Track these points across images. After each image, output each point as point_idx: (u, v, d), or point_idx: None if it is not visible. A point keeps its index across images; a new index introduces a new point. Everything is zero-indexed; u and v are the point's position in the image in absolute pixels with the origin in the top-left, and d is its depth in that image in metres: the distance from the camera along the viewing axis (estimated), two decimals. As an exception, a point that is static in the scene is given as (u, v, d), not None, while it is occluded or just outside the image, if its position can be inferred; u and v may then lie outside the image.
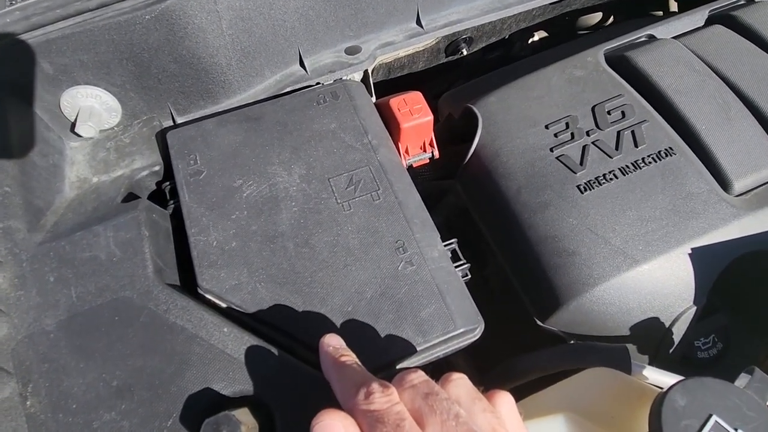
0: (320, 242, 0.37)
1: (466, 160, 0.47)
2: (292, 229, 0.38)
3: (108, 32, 0.40)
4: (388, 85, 0.67)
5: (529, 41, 0.80)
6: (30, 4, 0.38)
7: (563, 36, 0.82)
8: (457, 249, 0.40)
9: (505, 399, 0.26)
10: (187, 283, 0.36)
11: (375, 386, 0.24)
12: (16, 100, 0.41)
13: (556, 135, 0.44)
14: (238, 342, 0.30)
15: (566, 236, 0.40)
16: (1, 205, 0.34)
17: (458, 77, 0.81)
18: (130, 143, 0.46)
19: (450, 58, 0.67)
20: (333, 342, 0.29)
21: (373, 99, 0.60)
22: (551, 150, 0.44)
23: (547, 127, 0.45)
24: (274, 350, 0.31)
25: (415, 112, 0.46)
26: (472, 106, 0.49)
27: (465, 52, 0.64)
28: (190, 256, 0.36)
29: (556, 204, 0.41)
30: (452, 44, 0.63)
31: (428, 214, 0.40)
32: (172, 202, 0.41)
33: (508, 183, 0.44)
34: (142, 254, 0.32)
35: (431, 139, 0.49)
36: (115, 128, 0.47)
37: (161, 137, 0.47)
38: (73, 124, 0.45)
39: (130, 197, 0.40)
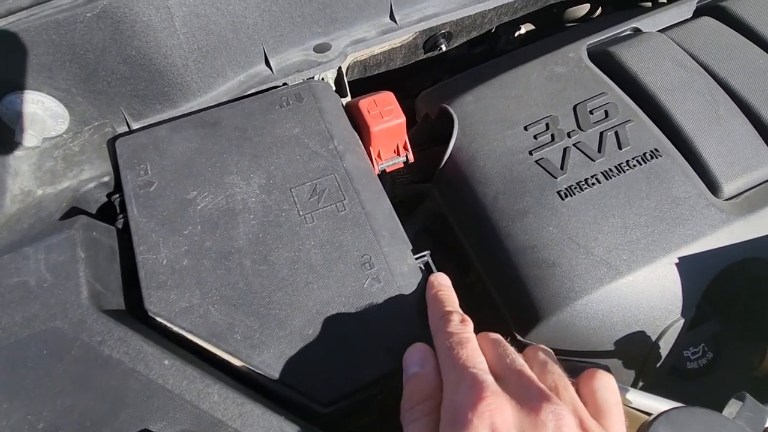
0: (280, 258, 0.34)
1: (443, 163, 0.45)
2: (250, 244, 0.35)
3: (46, 32, 0.37)
4: (365, 83, 0.64)
5: (516, 34, 0.77)
6: (-46, 2, 0.35)
7: (551, 29, 0.79)
8: (431, 262, 0.37)
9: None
10: (136, 306, 0.33)
11: (455, 316, 0.30)
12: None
13: (535, 137, 0.42)
14: (180, 376, 0.27)
15: (546, 246, 0.37)
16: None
17: (441, 74, 0.78)
18: (80, 152, 0.42)
19: (429, 54, 0.63)
20: (439, 278, 0.34)
21: (348, 99, 0.57)
22: (530, 153, 0.41)
23: (526, 128, 0.42)
24: (222, 384, 0.28)
25: (386, 114, 0.43)
26: (447, 106, 0.46)
27: (444, 48, 0.61)
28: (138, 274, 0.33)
29: (535, 211, 0.39)
30: (430, 39, 0.60)
31: (399, 224, 0.37)
32: (121, 215, 0.38)
33: (485, 189, 0.41)
34: (76, 278, 0.29)
35: (405, 142, 0.46)
36: (64, 135, 0.44)
37: (113, 145, 0.44)
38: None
39: (74, 212, 0.37)
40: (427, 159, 0.50)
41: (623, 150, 0.40)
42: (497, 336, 0.30)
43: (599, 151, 0.40)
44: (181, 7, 0.41)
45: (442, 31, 0.59)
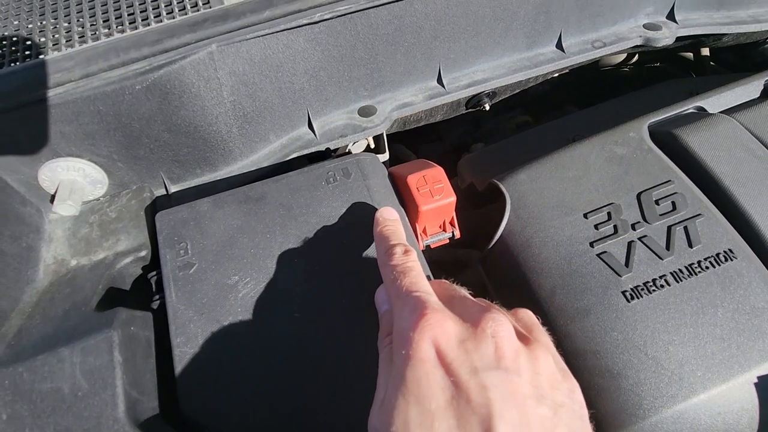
0: (328, 359, 0.32)
1: (492, 244, 0.42)
2: (294, 341, 0.32)
3: (93, 103, 0.35)
4: (401, 133, 0.62)
5: (549, 77, 0.76)
6: (4, 75, 0.34)
7: (584, 71, 0.77)
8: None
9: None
10: (169, 405, 0.31)
11: (397, 249, 0.31)
12: (-13, 175, 0.36)
13: (596, 227, 0.39)
14: None
15: (610, 353, 0.34)
16: (-44, 316, 0.29)
17: (475, 116, 0.76)
18: (116, 218, 0.41)
19: (471, 110, 0.62)
20: (383, 214, 0.35)
21: (386, 156, 0.55)
22: (591, 245, 0.38)
23: (585, 216, 0.40)
24: None
25: (436, 193, 0.41)
26: (498, 183, 0.44)
27: (488, 107, 0.59)
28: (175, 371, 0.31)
29: (597, 312, 0.36)
30: (474, 98, 0.58)
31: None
32: (158, 297, 0.36)
33: (541, 280, 0.38)
34: (112, 388, 0.27)
35: (452, 218, 0.44)
36: (101, 198, 0.42)
37: (151, 212, 0.42)
38: (53, 197, 0.40)
39: (111, 292, 0.35)
40: (469, 221, 0.48)
41: (694, 249, 0.37)
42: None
43: (667, 248, 0.37)
44: (230, 77, 0.39)
45: (487, 91, 0.58)
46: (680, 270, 0.36)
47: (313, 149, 0.47)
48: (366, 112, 0.49)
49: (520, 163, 0.45)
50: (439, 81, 0.51)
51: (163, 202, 0.44)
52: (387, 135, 0.54)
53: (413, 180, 0.41)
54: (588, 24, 0.53)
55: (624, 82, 0.86)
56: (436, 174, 0.42)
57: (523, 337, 0.27)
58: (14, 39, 0.38)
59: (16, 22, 0.39)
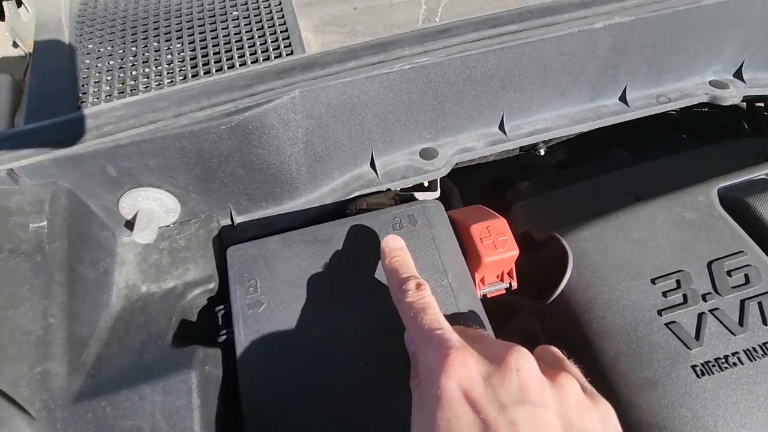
0: (392, 410, 0.32)
1: (551, 299, 0.42)
2: (360, 393, 0.33)
3: (179, 140, 0.37)
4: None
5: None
6: (103, 111, 0.35)
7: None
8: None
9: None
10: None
11: (410, 284, 0.31)
12: (74, 201, 0.38)
13: (664, 294, 0.38)
14: None
15: (677, 430, 0.34)
16: (43, 343, 0.30)
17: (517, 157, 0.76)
18: (185, 247, 0.42)
19: (523, 152, 0.62)
20: (390, 244, 0.35)
21: (438, 193, 0.55)
22: (659, 313, 0.37)
23: (653, 281, 0.39)
24: None
25: (499, 245, 0.41)
26: (560, 237, 0.43)
27: (542, 152, 0.59)
28: (241, 408, 0.32)
29: (664, 385, 0.35)
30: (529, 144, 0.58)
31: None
32: (224, 332, 0.37)
33: (604, 344, 0.38)
34: (191, 431, 0.28)
35: (511, 269, 0.44)
36: (171, 225, 0.44)
37: (218, 241, 0.43)
38: (129, 222, 0.42)
39: (182, 325, 0.36)
40: (520, 266, 0.47)
41: (769, 327, 0.36)
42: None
43: (740, 323, 0.36)
44: (307, 119, 0.40)
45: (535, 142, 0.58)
46: (754, 348, 0.35)
47: (374, 189, 0.47)
48: (428, 154, 0.49)
49: (581, 217, 0.45)
50: (501, 128, 0.51)
51: (229, 232, 0.45)
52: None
53: (477, 230, 0.41)
54: (654, 79, 0.53)
55: (675, 126, 0.85)
56: (500, 226, 0.42)
57: (548, 370, 0.27)
58: (116, 75, 0.40)
59: (120, 60, 0.41)
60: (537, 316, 0.44)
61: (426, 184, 0.55)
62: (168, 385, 0.29)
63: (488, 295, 0.45)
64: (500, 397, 0.24)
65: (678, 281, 0.39)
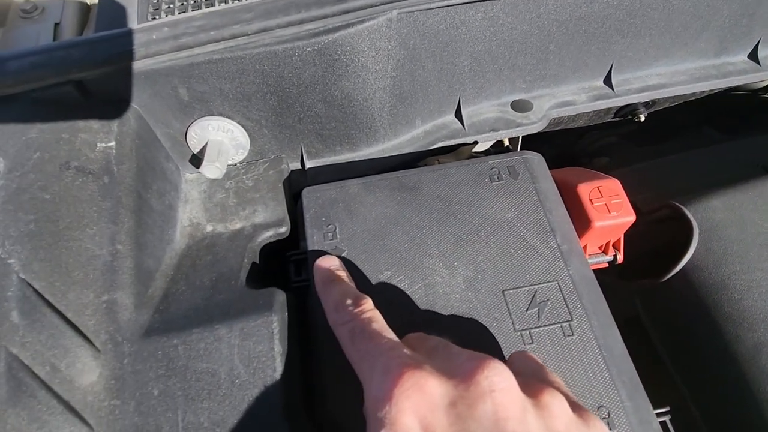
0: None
1: (666, 278, 0.36)
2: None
3: (260, 62, 0.33)
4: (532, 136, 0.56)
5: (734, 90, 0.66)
6: (181, 20, 0.31)
7: (718, 95, 0.68)
8: (669, 425, 0.29)
9: None
10: (307, 397, 0.27)
11: (347, 300, 0.25)
12: (143, 125, 0.34)
13: (823, 279, 0.32)
14: None
15: (840, 441, 0.27)
16: (110, 270, 0.27)
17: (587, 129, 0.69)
18: (253, 187, 0.38)
19: (618, 118, 0.55)
20: (324, 263, 0.29)
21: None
22: (816, 301, 0.31)
23: (807, 263, 0.32)
24: None
25: (613, 208, 0.35)
26: (681, 207, 0.37)
27: (642, 118, 0.52)
28: (314, 363, 0.28)
29: (824, 386, 0.29)
30: (630, 105, 0.51)
31: (634, 366, 0.29)
32: (299, 279, 0.33)
33: (741, 332, 0.31)
34: (272, 380, 0.24)
35: (619, 240, 0.38)
36: (238, 164, 0.40)
37: (288, 185, 0.39)
38: (194, 156, 0.38)
39: (253, 266, 0.33)
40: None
41: None
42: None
43: None
44: (401, 49, 0.35)
45: (647, 100, 0.50)
46: None
47: (459, 140, 0.42)
48: (521, 106, 0.43)
49: (701, 186, 0.38)
50: (607, 81, 0.44)
51: (299, 177, 0.41)
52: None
53: (585, 190, 0.36)
54: (795, 34, 0.44)
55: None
56: (614, 187, 0.36)
57: (527, 385, 0.21)
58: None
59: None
60: (642, 296, 0.38)
61: (506, 145, 0.50)
62: (247, 327, 0.25)
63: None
64: (469, 428, 0.19)
65: (840, 264, 0.32)
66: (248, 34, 0.31)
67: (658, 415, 0.28)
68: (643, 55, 0.43)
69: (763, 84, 0.71)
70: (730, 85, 0.45)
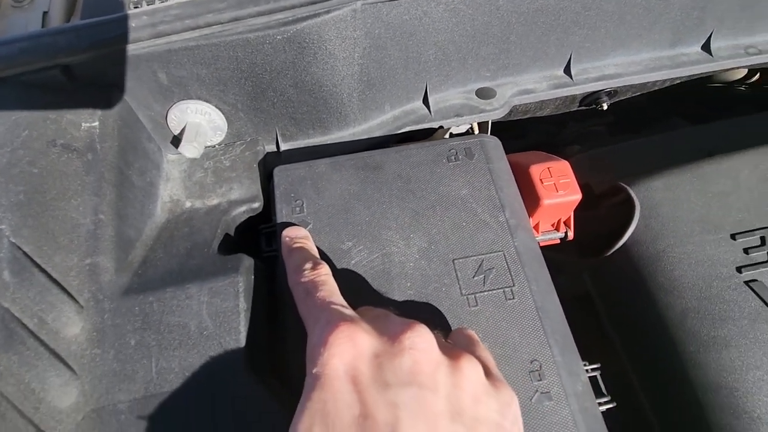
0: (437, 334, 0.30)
1: (610, 253, 0.39)
2: (404, 316, 0.31)
3: (233, 49, 0.35)
4: (501, 124, 0.59)
5: (684, 79, 0.69)
6: (159, 9, 0.34)
7: (692, 86, 0.70)
8: (600, 379, 0.32)
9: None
10: (275, 359, 0.30)
11: (306, 264, 0.28)
12: (125, 107, 0.37)
13: (746, 251, 0.35)
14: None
15: (750, 393, 0.31)
16: (93, 237, 0.30)
17: (567, 120, 0.72)
18: (230, 167, 0.41)
19: (583, 107, 0.57)
20: (291, 233, 0.32)
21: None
22: (739, 270, 0.34)
23: (733, 237, 0.35)
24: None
25: (561, 187, 0.38)
26: (626, 186, 0.40)
27: (605, 107, 0.55)
28: (282, 324, 0.31)
29: (739, 346, 0.32)
30: (593, 95, 0.54)
31: (568, 327, 0.32)
32: (269, 249, 0.36)
33: (671, 300, 0.35)
34: (236, 333, 0.27)
35: (569, 218, 0.41)
36: (216, 146, 0.43)
37: (263, 165, 0.42)
38: (175, 138, 0.41)
39: (226, 238, 0.35)
40: (576, 224, 0.44)
41: None
42: None
43: (834, 287, 0.32)
44: (366, 38, 0.38)
45: (609, 89, 0.53)
46: None
47: (425, 125, 0.45)
48: (485, 94, 0.46)
49: (648, 169, 0.41)
50: (567, 71, 0.47)
51: (274, 159, 0.44)
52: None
53: (537, 171, 0.39)
54: (744, 26, 0.47)
55: (742, 101, 0.78)
56: (562, 167, 0.39)
57: (450, 351, 0.24)
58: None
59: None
60: (590, 272, 0.41)
61: (477, 132, 0.52)
62: (215, 287, 0.28)
63: (540, 244, 0.42)
64: (386, 377, 0.22)
65: (762, 238, 0.35)
66: (222, 23, 0.34)
67: (589, 370, 0.31)
68: (600, 46, 0.46)
69: (737, 76, 0.74)
70: (683, 75, 0.48)
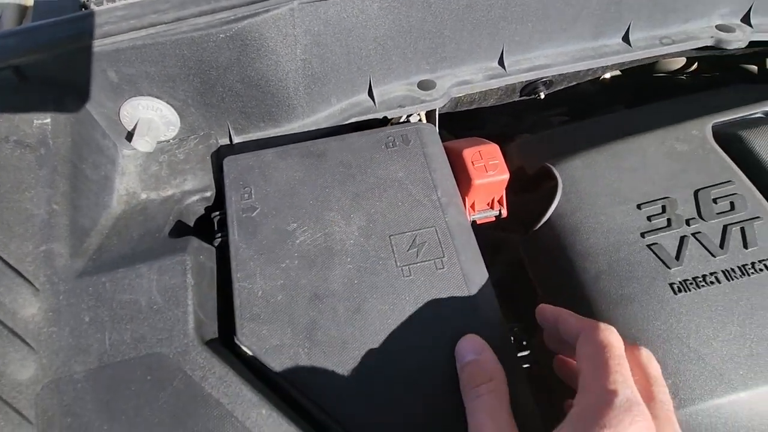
0: (373, 310, 0.33)
1: (537, 226, 0.43)
2: (345, 289, 0.34)
3: (179, 47, 0.38)
4: (451, 115, 0.63)
5: (600, 78, 0.74)
6: (104, 11, 0.36)
7: (637, 76, 0.76)
8: (518, 335, 0.36)
9: None
10: (226, 332, 0.33)
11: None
12: (77, 105, 0.39)
13: (649, 218, 0.39)
14: (275, 428, 0.27)
15: (650, 341, 0.35)
16: (47, 225, 0.32)
17: (519, 108, 0.76)
18: (184, 160, 0.43)
19: (524, 98, 0.62)
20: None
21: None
22: (642, 235, 0.38)
23: (639, 206, 0.40)
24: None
25: (490, 168, 0.41)
26: (551, 166, 0.44)
27: (543, 95, 0.59)
28: (232, 302, 0.33)
29: (641, 301, 0.36)
30: (530, 85, 0.58)
31: (494, 292, 0.36)
32: (219, 235, 0.38)
33: (586, 264, 0.39)
34: (184, 306, 0.30)
35: (501, 196, 0.44)
36: (170, 141, 0.45)
37: (216, 158, 0.44)
38: (130, 134, 0.43)
39: (179, 225, 0.38)
40: (513, 205, 0.48)
41: (749, 250, 0.37)
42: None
43: (721, 246, 0.37)
44: (305, 35, 0.41)
45: (544, 79, 0.57)
46: (732, 269, 0.36)
47: (370, 116, 0.48)
48: (425, 85, 0.49)
49: (573, 150, 0.45)
50: (501, 62, 0.51)
51: (227, 151, 0.46)
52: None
53: (468, 154, 0.42)
54: (659, 19, 0.52)
55: (682, 90, 0.84)
56: (492, 150, 0.42)
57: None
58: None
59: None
60: (524, 245, 0.45)
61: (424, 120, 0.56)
62: (164, 265, 0.31)
63: (478, 222, 0.46)
64: None
65: (663, 207, 0.39)
66: (165, 23, 0.36)
67: (509, 328, 0.35)
68: (528, 39, 0.50)
69: (677, 66, 0.80)
70: (606, 64, 0.52)
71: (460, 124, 0.85)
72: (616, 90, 0.82)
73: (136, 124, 0.42)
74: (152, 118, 0.41)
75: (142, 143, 0.40)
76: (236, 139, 0.46)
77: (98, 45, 0.36)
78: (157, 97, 0.41)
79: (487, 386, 0.28)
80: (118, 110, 0.41)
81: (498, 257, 0.50)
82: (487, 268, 0.36)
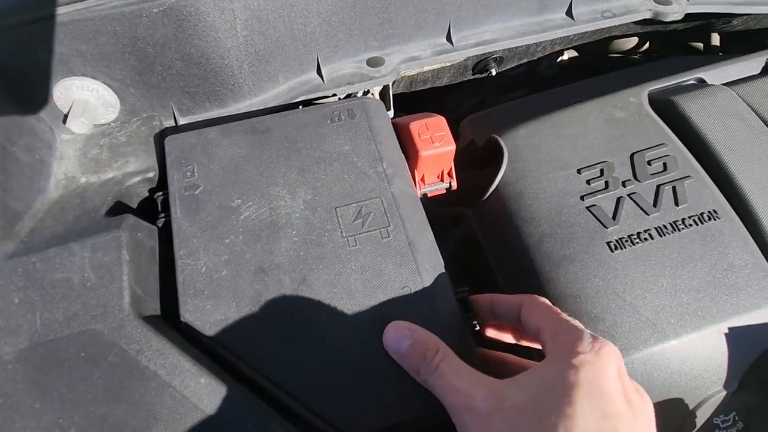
0: (319, 280, 0.34)
1: (486, 196, 0.44)
2: (290, 261, 0.34)
3: (111, 23, 0.36)
4: (408, 96, 0.63)
5: (558, 60, 0.76)
6: (26, -15, 0.35)
7: (593, 57, 0.77)
8: (468, 299, 0.36)
9: None
10: (170, 311, 0.33)
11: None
12: (5, 86, 0.37)
13: (588, 182, 0.40)
14: (215, 396, 0.26)
15: (590, 298, 0.36)
16: (-28, 208, 0.31)
17: (481, 92, 0.77)
18: (126, 142, 0.42)
19: (477, 75, 0.62)
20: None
21: (392, 113, 0.56)
22: (582, 198, 0.40)
23: (579, 171, 0.41)
24: (256, 407, 0.27)
25: (436, 140, 0.42)
26: (498, 137, 0.45)
27: (494, 72, 0.60)
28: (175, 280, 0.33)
29: (581, 260, 0.37)
30: (481, 62, 0.59)
31: (441, 258, 0.36)
32: (163, 215, 0.38)
33: (530, 229, 0.40)
34: (119, 282, 0.29)
35: (450, 168, 0.45)
36: (111, 124, 0.44)
37: (160, 139, 0.43)
38: (66, 116, 0.42)
39: (118, 206, 0.37)
40: (466, 181, 0.49)
41: (680, 207, 0.38)
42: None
43: (654, 205, 0.39)
44: (245, 10, 0.40)
45: (495, 56, 0.58)
46: (665, 226, 0.38)
47: (320, 94, 0.48)
48: (374, 62, 0.50)
49: (520, 121, 0.46)
50: (448, 38, 0.51)
51: (171, 133, 0.45)
52: (393, 100, 0.55)
53: (415, 126, 0.43)
54: (600, -7, 0.53)
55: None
56: (438, 122, 0.43)
57: None
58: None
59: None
60: (475, 216, 0.46)
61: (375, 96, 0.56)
62: (97, 242, 0.30)
63: (429, 195, 0.46)
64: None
65: (601, 170, 0.41)
66: (94, -2, 0.35)
67: (457, 293, 0.36)
68: (474, 14, 0.50)
69: (630, 45, 0.82)
70: (552, 38, 0.53)
71: (423, 110, 0.86)
72: (574, 71, 0.84)
73: (71, 106, 0.40)
74: (88, 99, 0.40)
75: (77, 124, 0.39)
76: (181, 121, 0.45)
77: (24, 21, 0.35)
78: (93, 77, 0.40)
79: (437, 357, 0.29)
80: (50, 92, 0.40)
81: (454, 231, 0.51)
82: (441, 240, 0.37)
